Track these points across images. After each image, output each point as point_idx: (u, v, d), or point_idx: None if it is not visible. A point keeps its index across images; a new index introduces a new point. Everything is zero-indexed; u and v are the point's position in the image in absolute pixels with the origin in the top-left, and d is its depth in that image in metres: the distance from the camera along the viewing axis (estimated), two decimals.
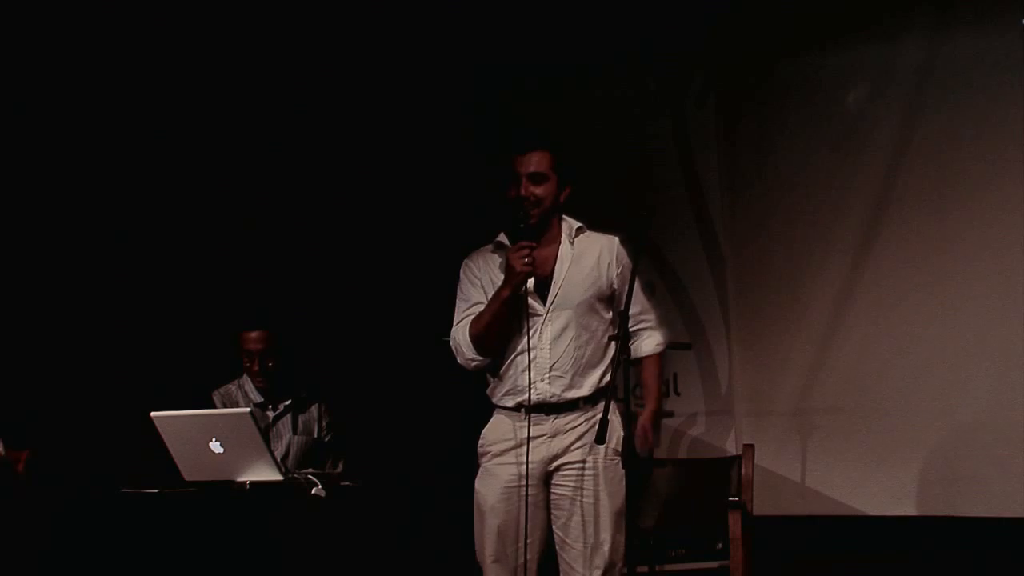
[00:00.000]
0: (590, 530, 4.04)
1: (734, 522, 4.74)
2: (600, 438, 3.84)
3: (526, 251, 4.02)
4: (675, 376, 5.86)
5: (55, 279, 5.10)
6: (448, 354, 4.29)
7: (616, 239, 4.22)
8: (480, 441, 4.18)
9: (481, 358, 4.13)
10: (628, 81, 6.00)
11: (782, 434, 5.60)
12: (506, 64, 5.93)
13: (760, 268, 5.73)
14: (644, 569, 5.30)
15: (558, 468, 4.08)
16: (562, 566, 4.12)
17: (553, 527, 4.11)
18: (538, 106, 6.04)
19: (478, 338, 4.10)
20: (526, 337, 4.07)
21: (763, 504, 5.04)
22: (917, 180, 5.38)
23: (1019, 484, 5.08)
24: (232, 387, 4.91)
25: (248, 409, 4.37)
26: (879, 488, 5.38)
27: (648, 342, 4.23)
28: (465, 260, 4.25)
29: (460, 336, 4.14)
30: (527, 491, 4.04)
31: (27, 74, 5.14)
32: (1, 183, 5.16)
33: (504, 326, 4.08)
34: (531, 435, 4.06)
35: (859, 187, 5.49)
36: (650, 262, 5.86)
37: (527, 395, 4.07)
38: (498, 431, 4.13)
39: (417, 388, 5.69)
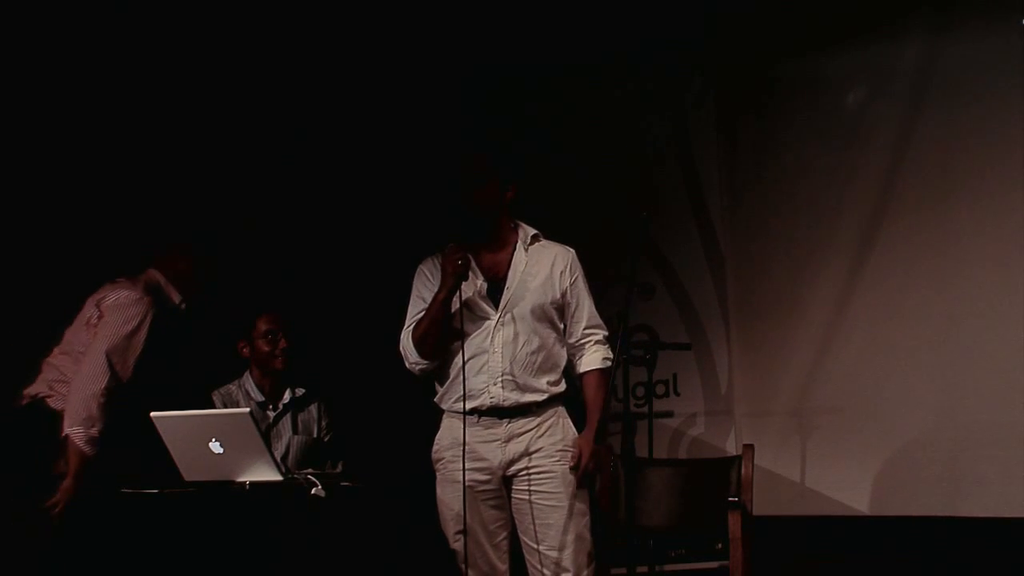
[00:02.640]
0: (553, 532, 4.07)
1: (734, 522, 4.73)
2: (599, 439, 3.85)
3: (460, 254, 4.06)
4: (675, 376, 5.87)
5: (54, 279, 5.09)
6: None
7: (572, 250, 4.26)
8: (434, 447, 4.23)
9: (425, 362, 4.18)
10: (628, 81, 6.00)
11: (782, 434, 5.61)
12: (506, 64, 5.93)
13: (760, 268, 5.74)
14: (644, 569, 5.31)
15: (516, 473, 4.12)
16: (529, 569, 4.16)
17: (518, 531, 4.15)
18: (538, 106, 6.04)
19: (419, 342, 4.16)
20: (476, 341, 4.12)
21: (763, 504, 5.03)
22: (917, 180, 5.38)
23: (1019, 484, 5.08)
24: (232, 387, 4.91)
25: (248, 409, 4.37)
26: (879, 488, 5.38)
27: (594, 356, 4.25)
28: (419, 266, 4.29)
29: (405, 340, 4.20)
30: (464, 495, 4.08)
31: (27, 71, 5.14)
32: (3, 182, 5.16)
33: (443, 330, 4.12)
34: (486, 439, 4.12)
35: (859, 187, 5.50)
36: (650, 262, 5.87)
37: (480, 400, 4.11)
38: (449, 437, 4.17)
39: (417, 388, 5.68)
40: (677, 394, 5.89)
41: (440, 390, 4.24)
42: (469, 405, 4.13)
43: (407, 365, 4.23)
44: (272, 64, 5.61)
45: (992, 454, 5.18)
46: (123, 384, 4.47)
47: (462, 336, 4.12)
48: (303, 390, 4.96)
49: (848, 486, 5.44)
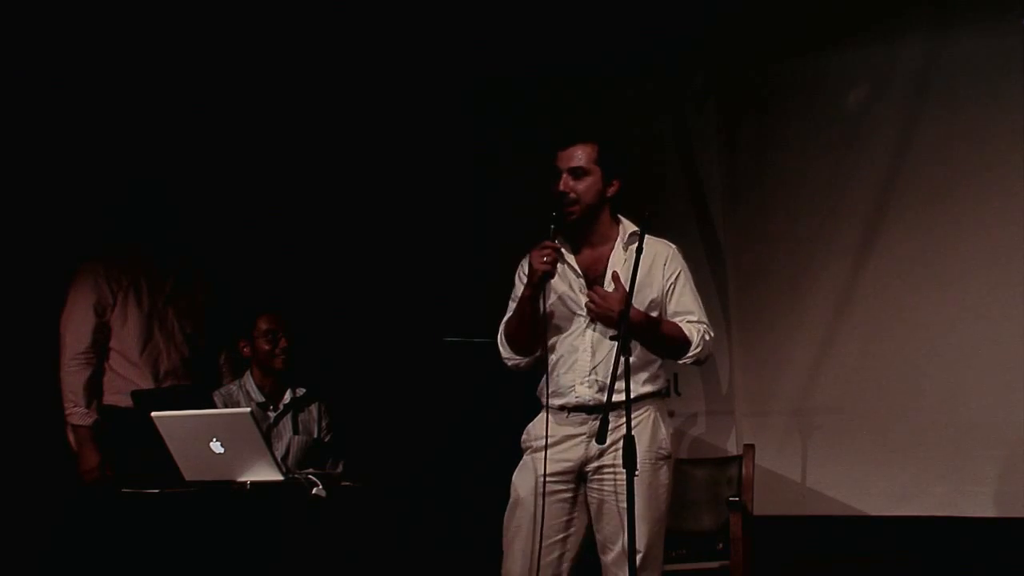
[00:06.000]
0: (628, 534, 3.98)
1: (735, 522, 4.74)
2: (600, 438, 3.79)
3: (548, 251, 3.96)
4: (676, 376, 5.84)
5: (55, 279, 5.10)
6: (449, 354, 4.29)
7: (673, 246, 4.13)
8: (523, 435, 4.14)
9: (518, 357, 4.10)
10: (628, 81, 6.00)
11: (782, 434, 5.60)
12: (507, 64, 5.93)
13: (760, 269, 5.73)
14: None
15: (596, 469, 4.02)
16: (603, 568, 4.06)
17: (594, 529, 4.06)
18: (538, 106, 6.04)
19: (510, 338, 4.09)
20: (569, 339, 4.04)
21: (763, 504, 5.04)
22: (918, 180, 5.38)
23: (1019, 484, 5.09)
24: (233, 387, 4.91)
25: (248, 409, 4.37)
26: (879, 488, 5.38)
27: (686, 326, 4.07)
28: (522, 260, 4.14)
29: (501, 336, 4.12)
30: (544, 488, 3.98)
31: (27, 70, 5.15)
32: (5, 181, 5.17)
33: (533, 327, 4.03)
34: (571, 434, 4.03)
35: (860, 187, 5.49)
36: None
37: (567, 398, 4.02)
38: (540, 427, 4.07)
39: (417, 388, 5.69)
40: (678, 394, 5.88)
41: (540, 384, 4.15)
42: (557, 402, 4.05)
43: (502, 359, 4.14)
44: (273, 64, 5.61)
45: (992, 454, 5.18)
46: (81, 353, 4.94)
47: (555, 333, 4.04)
48: (303, 390, 4.96)
49: (849, 486, 5.44)
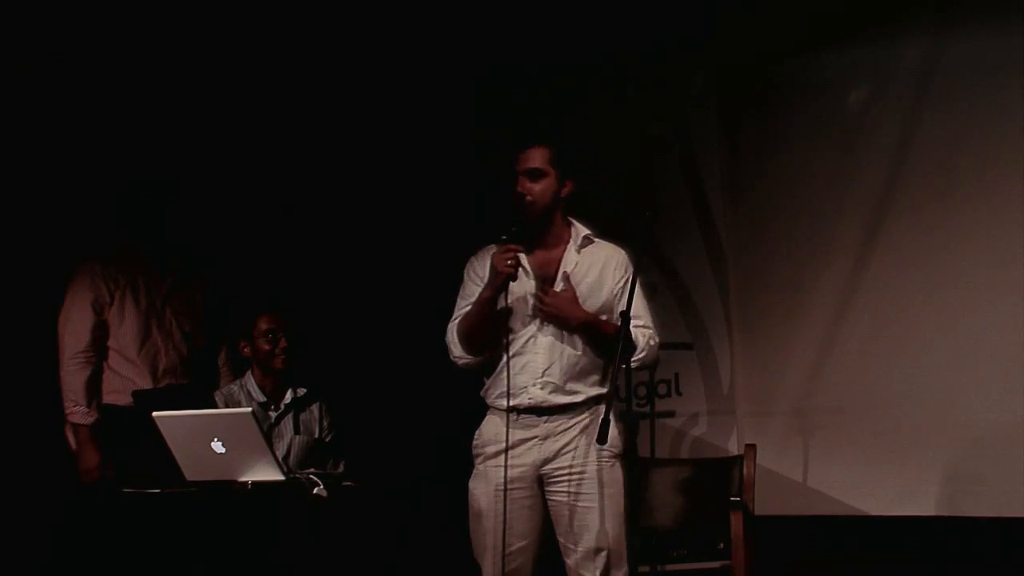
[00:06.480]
0: (591, 534, 4.01)
1: (736, 522, 4.73)
2: (601, 438, 3.81)
3: (511, 253, 3.99)
4: (677, 376, 5.86)
5: (53, 278, 5.09)
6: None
7: (623, 250, 4.18)
8: (474, 441, 4.16)
9: (469, 357, 4.12)
10: (629, 82, 6.00)
11: (784, 434, 5.60)
12: (507, 64, 5.92)
13: (762, 268, 5.73)
14: (645, 569, 5.31)
15: (552, 472, 4.06)
16: (567, 571, 4.09)
17: (556, 532, 4.08)
18: (539, 106, 6.04)
19: (465, 337, 4.10)
20: (521, 340, 4.06)
21: (765, 504, 5.03)
22: (919, 180, 5.38)
23: (1019, 484, 5.09)
24: (234, 387, 4.91)
25: (250, 409, 4.37)
26: (881, 488, 5.38)
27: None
28: (471, 258, 4.21)
29: (450, 333, 4.14)
30: (505, 495, 4.02)
31: (27, 69, 5.14)
32: (4, 181, 5.16)
33: (489, 327, 4.06)
34: (523, 437, 4.06)
35: (861, 187, 5.49)
36: (652, 262, 5.86)
37: (519, 398, 4.04)
38: (490, 432, 4.11)
39: (417, 388, 5.68)
40: (679, 394, 5.88)
41: (486, 384, 4.17)
42: (509, 403, 4.05)
43: (451, 357, 4.15)
44: (273, 64, 5.61)
45: (992, 454, 5.18)
46: (80, 352, 4.92)
47: (507, 334, 4.05)
48: (304, 390, 4.96)
49: (850, 486, 5.44)
